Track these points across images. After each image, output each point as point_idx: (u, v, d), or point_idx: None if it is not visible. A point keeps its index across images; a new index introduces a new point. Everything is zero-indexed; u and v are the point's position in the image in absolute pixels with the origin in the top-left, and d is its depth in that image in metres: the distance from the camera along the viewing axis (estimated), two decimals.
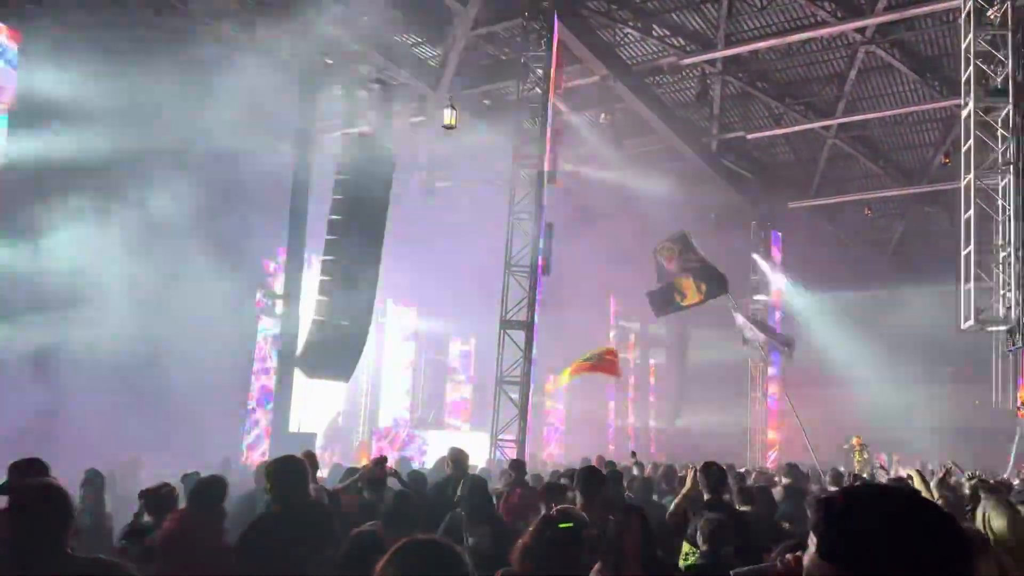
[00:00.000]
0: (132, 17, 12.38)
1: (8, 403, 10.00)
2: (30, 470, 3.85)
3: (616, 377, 12.49)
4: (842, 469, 10.83)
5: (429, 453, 15.24)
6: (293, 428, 12.48)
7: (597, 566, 3.20)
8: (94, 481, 5.88)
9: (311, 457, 5.82)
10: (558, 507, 3.01)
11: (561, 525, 2.88)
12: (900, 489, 1.23)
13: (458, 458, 6.53)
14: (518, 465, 7.72)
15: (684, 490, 5.36)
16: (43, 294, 10.72)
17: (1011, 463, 12.09)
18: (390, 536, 3.23)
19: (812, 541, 1.21)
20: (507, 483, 7.23)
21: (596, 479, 4.65)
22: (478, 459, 11.57)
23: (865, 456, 14.19)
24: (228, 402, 14.51)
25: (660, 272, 12.35)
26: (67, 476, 6.04)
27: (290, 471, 3.75)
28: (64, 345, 11.13)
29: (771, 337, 15.31)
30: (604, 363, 11.56)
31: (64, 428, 9.92)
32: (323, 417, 16.17)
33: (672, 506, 5.27)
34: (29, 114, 10.87)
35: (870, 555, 1.13)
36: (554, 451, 22.20)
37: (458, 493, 5.90)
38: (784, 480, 8.67)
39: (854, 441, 14.47)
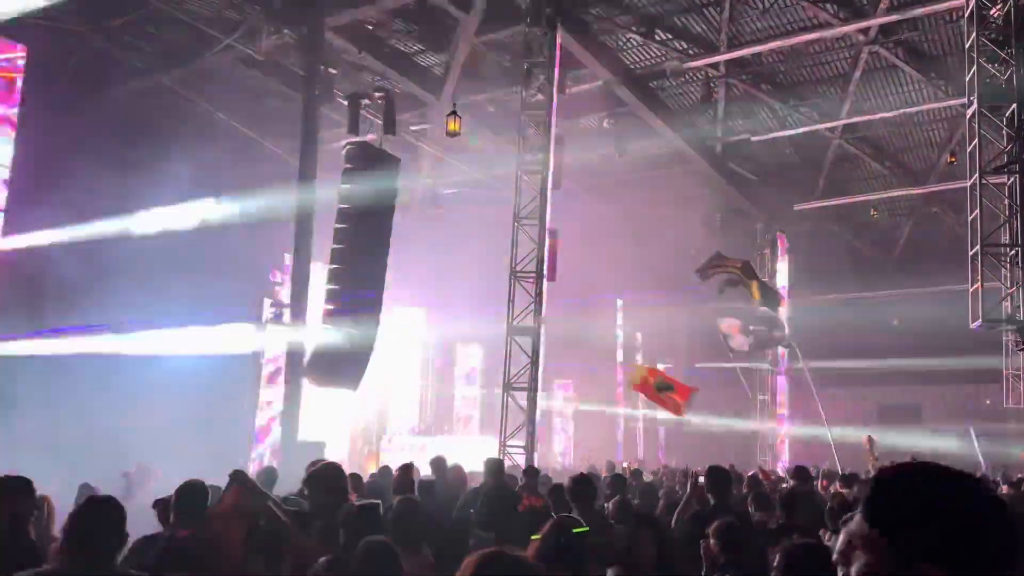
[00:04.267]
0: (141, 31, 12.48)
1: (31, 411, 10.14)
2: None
3: (676, 415, 12.23)
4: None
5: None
6: (303, 437, 12.48)
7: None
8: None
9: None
10: (561, 515, 3.01)
11: (576, 530, 2.88)
12: (953, 468, 1.24)
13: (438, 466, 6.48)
14: (531, 471, 7.72)
15: (687, 496, 5.34)
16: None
17: (982, 462, 12.10)
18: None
19: (860, 507, 1.24)
20: (519, 488, 7.27)
21: (587, 489, 4.63)
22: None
23: (876, 454, 14.11)
24: (237, 411, 14.57)
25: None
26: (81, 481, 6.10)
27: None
28: (81, 355, 11.24)
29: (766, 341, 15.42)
30: (670, 402, 11.43)
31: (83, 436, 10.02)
32: (335, 426, 16.19)
33: (676, 514, 5.25)
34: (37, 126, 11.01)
35: (912, 522, 1.15)
36: (565, 454, 22.14)
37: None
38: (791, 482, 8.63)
39: (864, 439, 14.40)
